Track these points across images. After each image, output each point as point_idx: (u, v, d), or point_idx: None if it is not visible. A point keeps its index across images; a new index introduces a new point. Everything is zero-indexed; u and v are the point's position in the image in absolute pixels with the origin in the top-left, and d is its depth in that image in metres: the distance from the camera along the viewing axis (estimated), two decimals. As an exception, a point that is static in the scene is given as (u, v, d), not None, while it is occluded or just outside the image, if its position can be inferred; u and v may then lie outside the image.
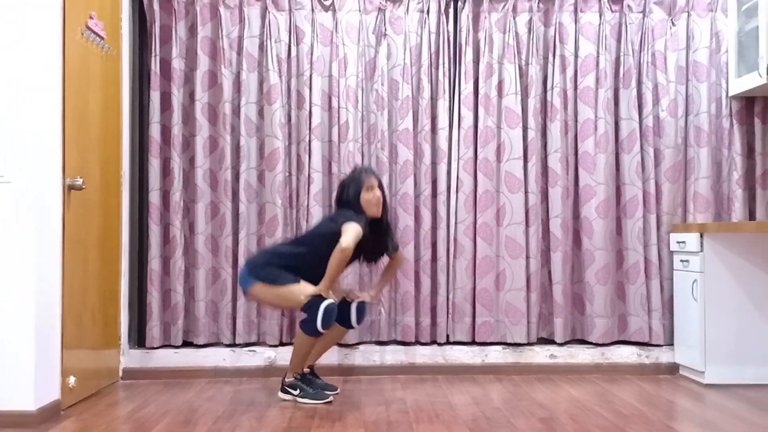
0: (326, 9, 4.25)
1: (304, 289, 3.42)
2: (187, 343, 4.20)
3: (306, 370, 3.63)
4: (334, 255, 3.36)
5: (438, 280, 4.22)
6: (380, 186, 3.57)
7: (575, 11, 4.29)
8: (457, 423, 3.05)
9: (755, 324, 3.85)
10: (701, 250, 3.87)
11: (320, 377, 3.70)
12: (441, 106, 4.26)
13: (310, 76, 4.20)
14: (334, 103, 4.21)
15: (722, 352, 3.84)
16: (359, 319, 3.60)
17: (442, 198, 4.24)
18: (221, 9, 4.18)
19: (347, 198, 3.53)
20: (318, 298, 3.39)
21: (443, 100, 4.26)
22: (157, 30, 4.19)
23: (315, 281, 3.45)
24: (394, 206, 4.22)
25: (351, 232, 3.37)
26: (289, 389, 3.55)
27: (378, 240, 3.59)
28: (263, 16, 4.22)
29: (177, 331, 4.15)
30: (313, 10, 4.22)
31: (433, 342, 4.24)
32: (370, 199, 3.50)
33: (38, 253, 3.10)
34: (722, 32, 4.26)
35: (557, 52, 4.27)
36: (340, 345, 4.16)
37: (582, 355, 4.21)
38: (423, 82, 4.24)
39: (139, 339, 4.22)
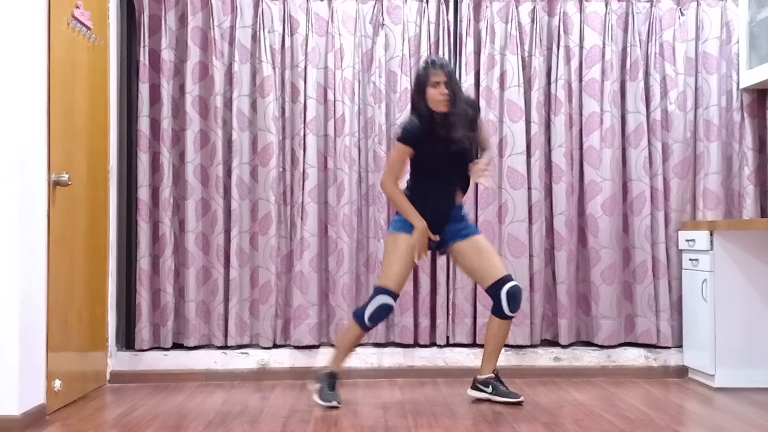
0: (321, -2, 4.26)
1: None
2: (177, 345, 4.20)
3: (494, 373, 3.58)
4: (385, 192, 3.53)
5: (438, 280, 4.20)
6: (449, 76, 3.31)
7: (580, 0, 4.26)
8: (457, 428, 3.05)
9: (767, 325, 3.84)
10: (711, 249, 3.86)
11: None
12: (441, 98, 4.28)
13: (305, 67, 4.18)
14: (330, 96, 4.18)
15: (733, 355, 3.83)
16: (512, 306, 3.42)
17: (441, 194, 4.22)
18: (212, -2, 4.21)
19: (412, 99, 3.44)
20: (379, 288, 3.44)
21: (443, 93, 4.29)
22: (145, 20, 4.19)
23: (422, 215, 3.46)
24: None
25: (388, 163, 3.49)
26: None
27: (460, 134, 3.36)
28: (256, 6, 4.21)
29: (167, 333, 4.15)
30: (307, -1, 4.24)
31: (433, 344, 4.23)
32: (434, 95, 3.32)
33: (22, 251, 3.09)
34: (733, 22, 4.23)
35: (561, 43, 4.25)
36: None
37: (587, 357, 4.21)
38: (422, 74, 4.27)
39: (127, 341, 4.22)
